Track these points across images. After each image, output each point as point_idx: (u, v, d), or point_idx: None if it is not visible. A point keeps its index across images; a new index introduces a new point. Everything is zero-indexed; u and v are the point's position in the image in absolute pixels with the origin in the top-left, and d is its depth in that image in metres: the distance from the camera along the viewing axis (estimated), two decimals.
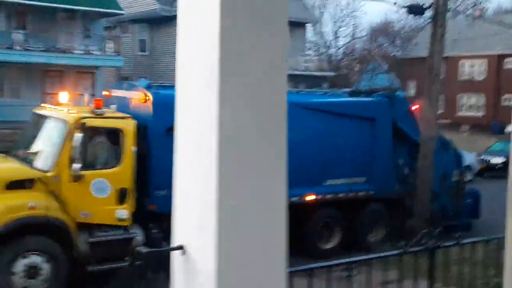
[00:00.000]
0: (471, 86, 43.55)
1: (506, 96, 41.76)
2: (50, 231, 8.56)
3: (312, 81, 33.44)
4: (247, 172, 2.48)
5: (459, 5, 25.62)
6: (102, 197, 8.92)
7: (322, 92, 14.99)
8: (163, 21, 30.23)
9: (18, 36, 24.79)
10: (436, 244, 4.09)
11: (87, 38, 27.44)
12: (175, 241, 2.59)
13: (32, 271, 8.27)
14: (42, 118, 9.98)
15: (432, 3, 13.09)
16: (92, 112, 9.23)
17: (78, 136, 8.64)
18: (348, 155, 11.54)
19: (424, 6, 14.37)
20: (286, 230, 2.57)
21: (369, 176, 11.78)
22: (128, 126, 9.29)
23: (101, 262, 8.72)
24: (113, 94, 10.81)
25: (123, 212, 9.04)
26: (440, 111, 19.21)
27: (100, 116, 9.21)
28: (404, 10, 16.30)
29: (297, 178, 9.89)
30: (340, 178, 11.41)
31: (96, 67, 27.39)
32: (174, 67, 2.64)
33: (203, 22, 2.47)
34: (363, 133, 11.78)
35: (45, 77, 26.50)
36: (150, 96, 9.62)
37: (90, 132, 8.98)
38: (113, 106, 9.75)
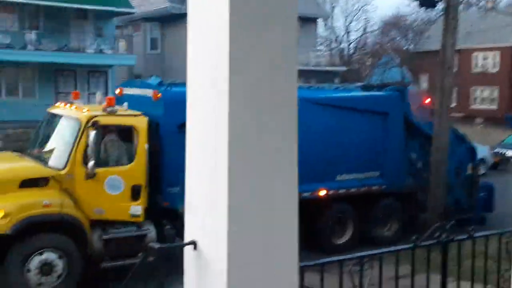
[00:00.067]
0: (484, 78, 43.12)
1: None
2: (64, 228, 8.65)
3: (323, 76, 33.32)
4: (258, 169, 2.49)
5: None
6: (116, 194, 8.99)
7: (333, 87, 14.94)
8: (174, 19, 30.28)
9: (31, 36, 24.99)
10: (449, 237, 4.07)
11: (99, 37, 27.57)
12: (187, 237, 2.61)
13: (46, 268, 8.37)
14: (55, 117, 10.07)
15: None
16: (105, 110, 9.29)
17: (92, 134, 8.71)
18: (360, 149, 11.50)
19: None
20: (297, 225, 2.58)
21: (382, 171, 11.73)
22: (140, 123, 9.34)
23: (115, 259, 8.79)
24: (125, 92, 10.86)
25: (137, 209, 9.11)
26: (453, 104, 19.04)
27: (113, 114, 9.28)
28: (416, 3, 16.16)
29: (309, 173, 9.88)
30: (352, 173, 11.38)
31: (109, 66, 27.53)
32: (185, 64, 2.66)
33: (213, 20, 2.48)
34: (375, 127, 11.73)
35: (58, 77, 26.69)
36: (161, 94, 9.66)
37: (103, 130, 9.05)
38: (125, 104, 9.81)
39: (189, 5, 2.63)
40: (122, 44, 27.59)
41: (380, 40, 46.20)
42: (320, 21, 39.71)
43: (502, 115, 39.64)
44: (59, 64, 25.45)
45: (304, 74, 30.42)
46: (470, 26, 35.31)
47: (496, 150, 22.77)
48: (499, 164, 22.15)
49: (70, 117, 9.56)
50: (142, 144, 9.26)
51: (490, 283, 4.75)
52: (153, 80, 10.75)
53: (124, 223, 9.15)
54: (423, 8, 16.95)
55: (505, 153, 22.59)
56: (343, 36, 47.00)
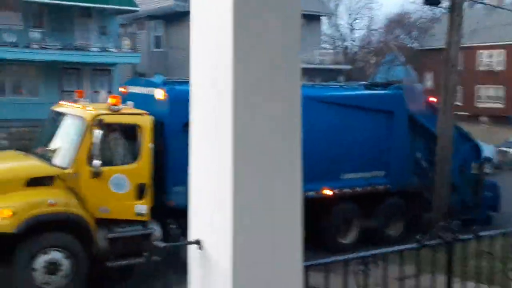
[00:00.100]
0: (489, 76, 42.96)
1: None
2: (70, 227, 8.67)
3: (328, 74, 33.29)
4: (262, 168, 2.49)
5: None
6: (121, 192, 9.01)
7: (338, 85, 14.92)
8: (178, 17, 30.30)
9: (35, 34, 25.05)
10: (454, 237, 4.06)
11: (103, 35, 27.61)
12: (192, 235, 2.62)
13: (52, 267, 8.39)
14: (60, 115, 10.09)
15: None
16: (109, 108, 9.30)
17: (98, 132, 8.72)
18: (365, 148, 11.48)
19: None
20: (301, 224, 2.58)
21: (387, 170, 11.71)
22: (145, 122, 9.35)
23: (120, 258, 8.80)
24: (129, 90, 10.88)
25: (142, 207, 9.12)
26: (458, 103, 19.00)
27: (117, 112, 9.29)
28: (421, 0, 16.12)
29: (314, 173, 9.87)
30: (357, 172, 11.37)
31: (113, 64, 27.57)
32: (189, 63, 2.66)
33: (215, 19, 2.48)
34: (380, 126, 11.71)
35: (63, 75, 26.75)
36: (166, 92, 9.67)
37: (108, 129, 9.06)
38: (130, 103, 9.82)
39: (192, 4, 2.63)
40: (126, 42, 27.62)
41: (385, 38, 46.09)
42: (324, 19, 39.65)
43: (507, 114, 39.46)
44: (64, 62, 25.51)
45: (308, 73, 30.39)
46: (476, 24, 35.16)
47: (501, 149, 22.70)
48: (504, 163, 22.07)
49: (75, 116, 9.57)
50: (147, 143, 9.27)
51: (496, 283, 4.73)
52: (158, 79, 10.75)
53: (130, 222, 9.16)
54: (427, 6, 16.90)
55: (510, 152, 22.50)
56: (347, 34, 46.93)
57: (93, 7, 26.64)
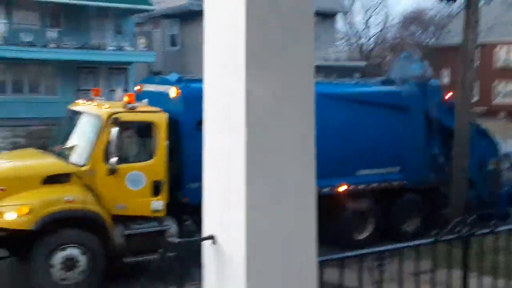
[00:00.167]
0: (507, 73, 42.45)
1: None
2: (86, 224, 8.76)
3: (343, 71, 33.15)
4: (276, 164, 2.50)
5: None
6: (137, 189, 9.08)
7: (353, 82, 14.85)
8: (193, 16, 30.35)
9: (52, 34, 25.32)
10: (470, 232, 4.03)
11: (119, 34, 27.82)
12: (206, 231, 2.63)
13: (69, 263, 8.48)
14: (76, 114, 10.19)
15: None
16: (125, 107, 9.37)
17: (114, 130, 8.80)
18: (381, 144, 11.43)
19: None
20: (316, 219, 2.58)
21: (403, 166, 11.64)
22: (160, 119, 9.41)
23: (136, 254, 8.86)
24: (144, 88, 10.94)
25: (158, 204, 9.18)
26: (475, 99, 18.80)
27: (133, 110, 9.35)
28: None
29: (330, 169, 9.85)
30: (373, 168, 11.32)
31: (128, 63, 27.75)
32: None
33: (229, 17, 2.48)
34: (395, 122, 11.65)
35: (79, 74, 27.01)
36: (180, 90, 9.71)
37: (123, 126, 9.13)
38: (145, 101, 9.88)
39: (205, 4, 2.64)
40: (141, 41, 27.80)
41: (400, 34, 45.76)
42: (339, 16, 39.47)
43: None
44: (80, 61, 25.76)
45: (323, 70, 30.29)
46: (493, 19, 34.76)
47: None
48: None
49: (91, 114, 9.66)
50: (162, 140, 9.33)
51: None
52: (172, 77, 10.80)
53: (145, 219, 9.23)
54: (443, 2, 16.74)
55: None
56: (362, 31, 46.68)
57: (109, 7, 26.85)
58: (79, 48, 25.39)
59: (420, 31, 46.63)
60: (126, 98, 9.51)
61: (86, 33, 26.45)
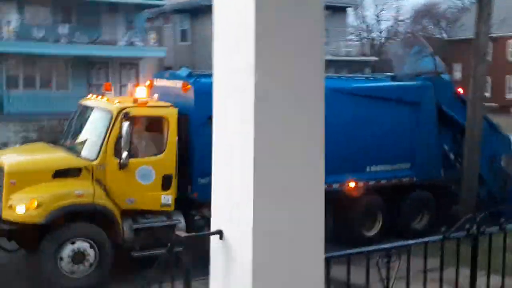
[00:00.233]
0: None
1: None
2: (96, 218, 8.82)
3: (354, 66, 33.02)
4: (284, 160, 2.49)
5: None
6: (147, 183, 9.12)
7: (364, 76, 14.78)
8: (204, 10, 30.38)
9: (64, 29, 25.45)
10: (479, 229, 4.00)
11: (130, 29, 27.90)
12: (214, 226, 2.64)
13: (79, 257, 8.56)
14: (87, 108, 10.24)
15: None
16: (135, 101, 9.40)
17: (124, 125, 8.84)
18: (391, 140, 11.36)
19: None
20: (323, 216, 2.57)
21: (413, 162, 11.57)
22: (171, 114, 9.43)
23: (145, 249, 8.91)
24: (155, 83, 10.96)
25: (168, 198, 9.23)
26: (487, 94, 18.65)
27: (143, 105, 9.39)
28: None
29: (339, 165, 9.82)
30: (383, 164, 11.26)
31: (139, 58, 27.84)
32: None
33: (238, 12, 2.48)
34: (406, 118, 11.57)
35: (91, 69, 27.14)
36: (191, 85, 9.72)
37: (134, 121, 9.17)
38: (156, 96, 9.91)
39: (215, 0, 2.64)
40: (152, 36, 27.87)
41: (412, 29, 45.45)
42: (350, 10, 39.30)
43: None
44: (91, 56, 25.89)
45: (334, 65, 30.19)
46: (506, 13, 34.41)
47: None
48: None
49: (101, 109, 9.71)
50: (172, 135, 9.36)
51: None
52: (183, 72, 10.81)
53: (154, 213, 9.27)
54: None
55: None
56: (373, 25, 46.44)
57: (120, 2, 26.95)
58: (91, 43, 25.51)
59: (432, 25, 46.27)
60: (143, 87, 9.55)
61: (97, 28, 26.56)
